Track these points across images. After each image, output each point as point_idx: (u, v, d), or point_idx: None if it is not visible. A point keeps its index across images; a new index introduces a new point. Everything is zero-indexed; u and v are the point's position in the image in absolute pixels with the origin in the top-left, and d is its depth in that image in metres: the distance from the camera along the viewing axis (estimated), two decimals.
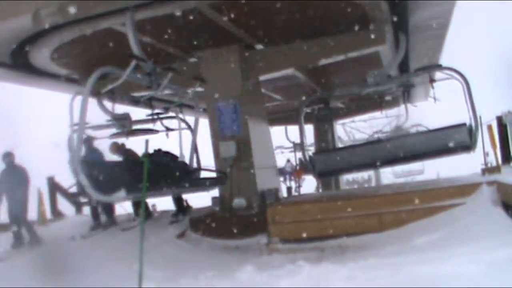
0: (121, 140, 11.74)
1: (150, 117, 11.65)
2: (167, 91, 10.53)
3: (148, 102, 10.39)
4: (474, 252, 6.52)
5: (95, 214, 11.93)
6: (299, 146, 23.71)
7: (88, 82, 8.22)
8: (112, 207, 12.09)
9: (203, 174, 11.80)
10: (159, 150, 11.75)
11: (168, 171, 10.46)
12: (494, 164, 12.54)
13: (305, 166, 23.67)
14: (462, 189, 9.97)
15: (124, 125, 13.88)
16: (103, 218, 11.98)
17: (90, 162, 8.18)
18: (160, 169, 10.05)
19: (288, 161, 25.00)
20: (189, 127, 13.69)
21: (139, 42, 11.82)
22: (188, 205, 12.86)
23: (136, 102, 10.30)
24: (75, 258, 9.27)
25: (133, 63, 9.19)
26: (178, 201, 12.63)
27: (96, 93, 8.71)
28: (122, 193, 8.08)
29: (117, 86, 9.27)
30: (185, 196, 12.81)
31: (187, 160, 11.56)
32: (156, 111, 11.20)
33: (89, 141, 11.84)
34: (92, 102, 13.95)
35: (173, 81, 10.04)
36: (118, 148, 12.28)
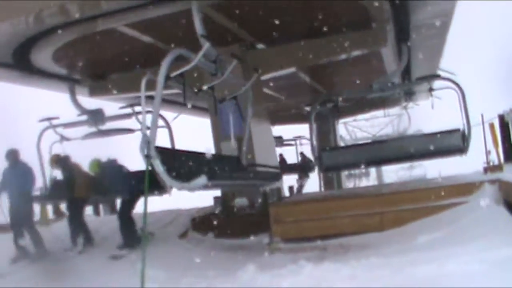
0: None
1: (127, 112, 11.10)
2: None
3: (210, 92, 9.64)
4: (476, 251, 6.51)
5: (18, 243, 10.21)
6: (279, 141, 22.66)
7: (163, 65, 7.65)
8: (40, 236, 10.59)
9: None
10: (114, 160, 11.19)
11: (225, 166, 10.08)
12: (496, 162, 12.53)
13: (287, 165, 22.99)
14: (464, 188, 9.95)
15: (96, 121, 13.29)
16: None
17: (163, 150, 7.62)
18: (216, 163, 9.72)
19: None
20: (167, 124, 13.42)
21: (140, 42, 11.90)
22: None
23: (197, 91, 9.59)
24: (78, 257, 9.29)
25: (205, 46, 8.67)
26: (126, 227, 10.58)
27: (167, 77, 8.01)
28: (203, 179, 7.39)
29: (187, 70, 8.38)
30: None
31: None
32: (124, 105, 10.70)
33: (13, 154, 10.60)
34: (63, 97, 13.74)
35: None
36: (59, 161, 11.27)
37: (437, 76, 14.47)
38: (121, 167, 11.14)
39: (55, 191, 12.82)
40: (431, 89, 14.52)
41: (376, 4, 10.52)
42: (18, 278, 9.02)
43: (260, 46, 13.12)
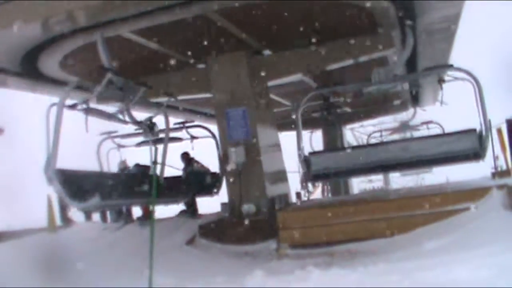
0: None
1: None
2: None
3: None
4: (485, 256, 6.49)
5: None
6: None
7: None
8: None
9: None
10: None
11: None
12: (504, 168, 12.47)
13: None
14: (472, 193, 9.91)
15: None
16: None
17: None
18: None
19: (125, 168, 14.45)
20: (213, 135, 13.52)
21: (147, 48, 11.94)
22: None
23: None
24: (85, 264, 9.29)
25: (107, 76, 9.60)
26: None
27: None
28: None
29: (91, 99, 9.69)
30: None
31: None
32: None
33: None
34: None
35: None
36: None
37: (450, 66, 12.20)
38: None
39: None
40: (441, 81, 12.63)
41: (382, 9, 10.52)
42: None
43: (267, 52, 13.14)
